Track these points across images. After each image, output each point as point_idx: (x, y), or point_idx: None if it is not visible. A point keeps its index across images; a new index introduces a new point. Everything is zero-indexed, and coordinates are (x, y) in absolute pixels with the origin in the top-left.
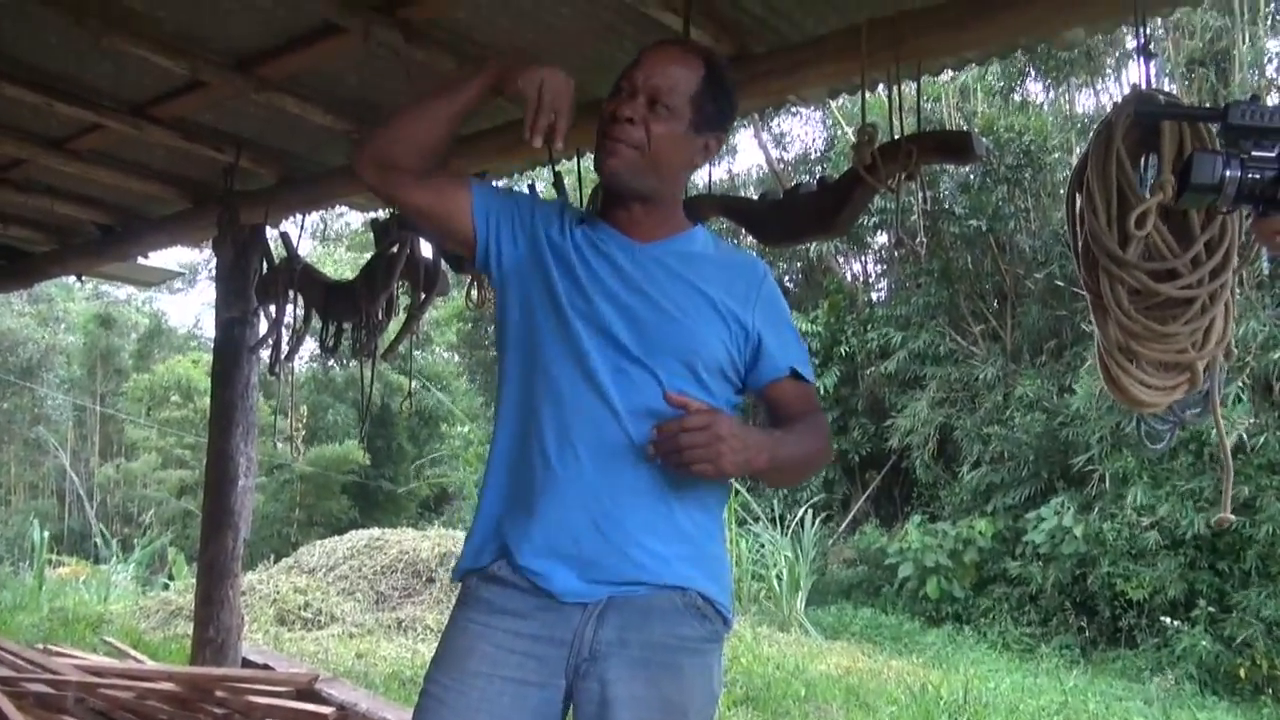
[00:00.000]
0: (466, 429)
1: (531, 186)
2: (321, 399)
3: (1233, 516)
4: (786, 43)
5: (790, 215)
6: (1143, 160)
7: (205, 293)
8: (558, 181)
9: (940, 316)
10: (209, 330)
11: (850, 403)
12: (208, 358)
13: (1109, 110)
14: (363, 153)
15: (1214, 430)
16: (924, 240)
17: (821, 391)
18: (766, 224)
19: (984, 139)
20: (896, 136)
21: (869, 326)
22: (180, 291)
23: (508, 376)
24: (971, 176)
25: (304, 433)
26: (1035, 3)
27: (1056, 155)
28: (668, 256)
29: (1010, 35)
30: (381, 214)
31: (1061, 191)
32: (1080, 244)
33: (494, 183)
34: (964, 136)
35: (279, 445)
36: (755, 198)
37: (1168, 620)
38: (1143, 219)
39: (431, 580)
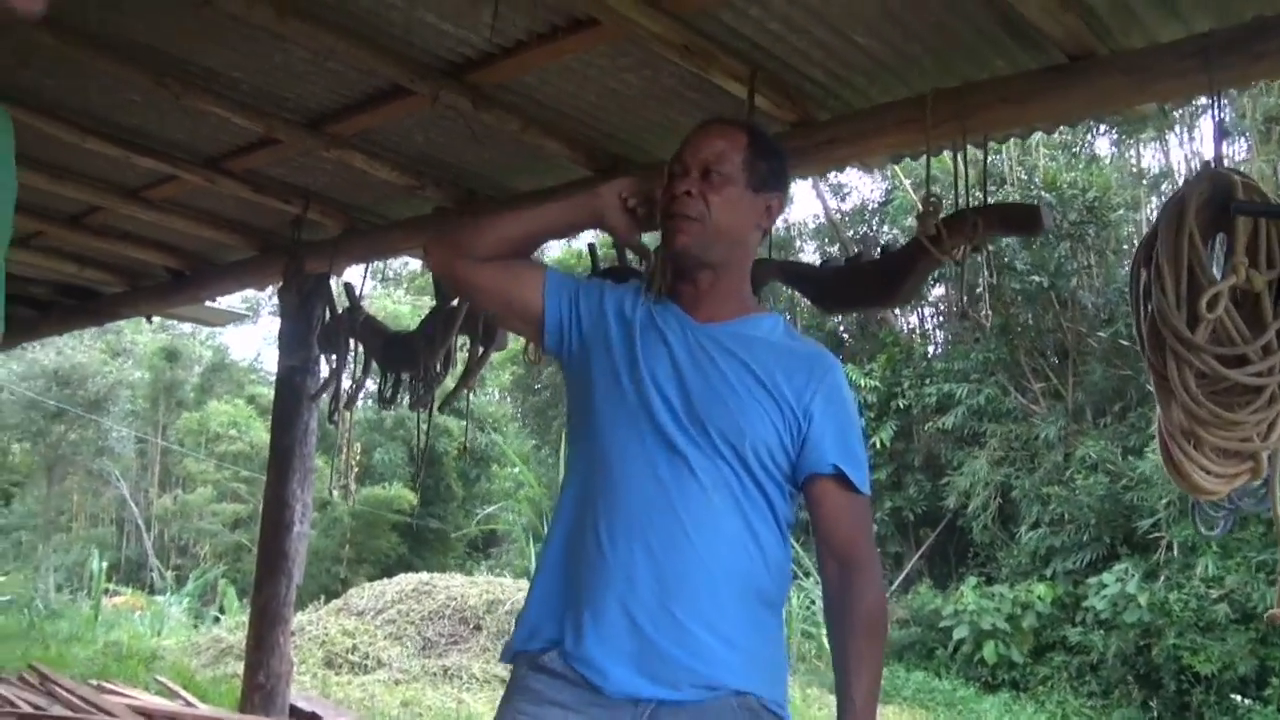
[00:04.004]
0: (517, 469)
1: (592, 247)
2: (372, 438)
3: None
4: (850, 110)
5: (852, 284)
6: (1213, 239)
7: (267, 326)
8: (592, 249)
9: (1000, 373)
10: (269, 364)
11: (906, 458)
12: (261, 392)
13: (1177, 169)
14: (440, 239)
15: None
16: (989, 313)
17: (878, 446)
18: (828, 292)
19: (1050, 206)
20: (961, 206)
21: (926, 380)
22: (244, 323)
23: (572, 459)
24: None
25: (357, 470)
26: (1106, 78)
27: (1121, 212)
28: (725, 337)
29: (1080, 110)
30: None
31: (1126, 247)
32: (1146, 322)
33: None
34: (1032, 210)
35: (334, 493)
36: (817, 263)
37: (1238, 698)
38: (1215, 301)
39: (479, 628)
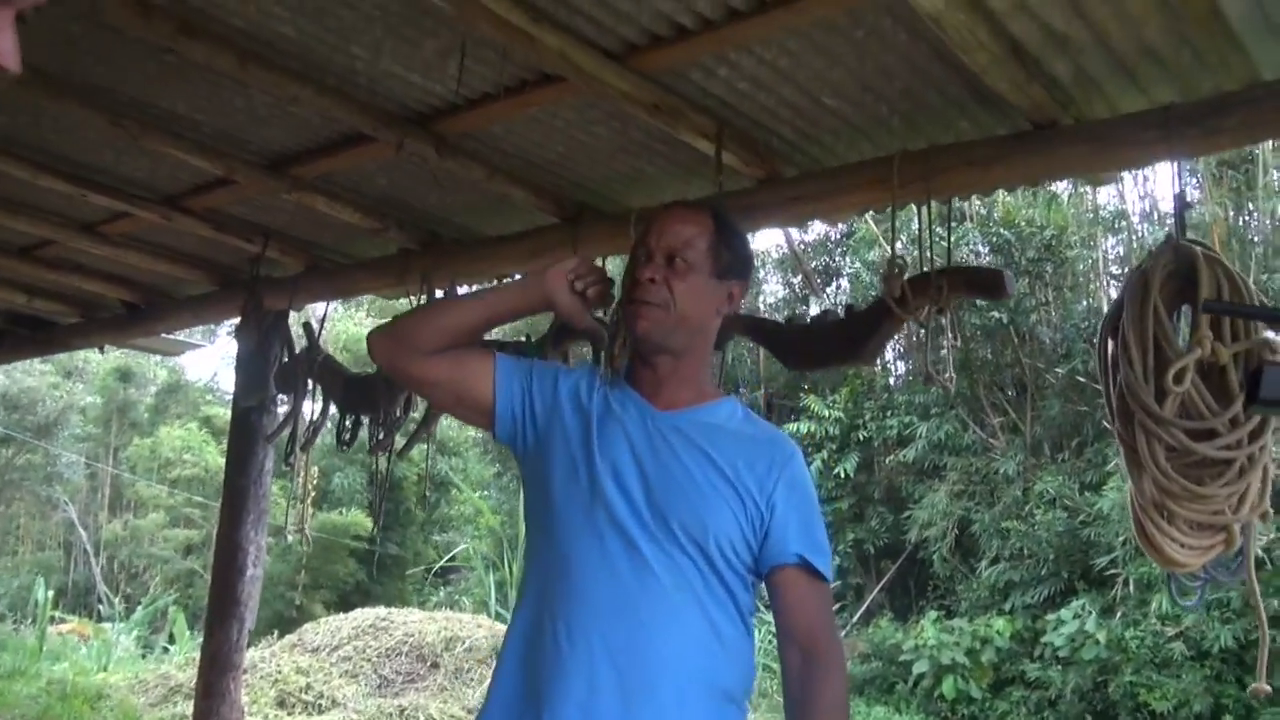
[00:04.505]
0: (477, 494)
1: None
2: (331, 462)
3: (1269, 687)
4: (818, 166)
5: (816, 342)
6: (1178, 309)
7: (224, 346)
8: None
9: (960, 406)
10: (226, 384)
11: (867, 490)
12: (217, 413)
13: (1132, 208)
14: (382, 331)
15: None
16: (953, 375)
17: (840, 476)
18: (791, 349)
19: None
20: (926, 263)
21: (888, 413)
22: (201, 349)
23: (530, 550)
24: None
25: (314, 495)
26: (1069, 146)
27: (1078, 250)
28: (685, 425)
29: (1043, 175)
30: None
31: (1082, 282)
32: (1115, 394)
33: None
34: (996, 275)
35: (290, 537)
36: (781, 320)
37: None
38: (1181, 375)
39: (436, 665)
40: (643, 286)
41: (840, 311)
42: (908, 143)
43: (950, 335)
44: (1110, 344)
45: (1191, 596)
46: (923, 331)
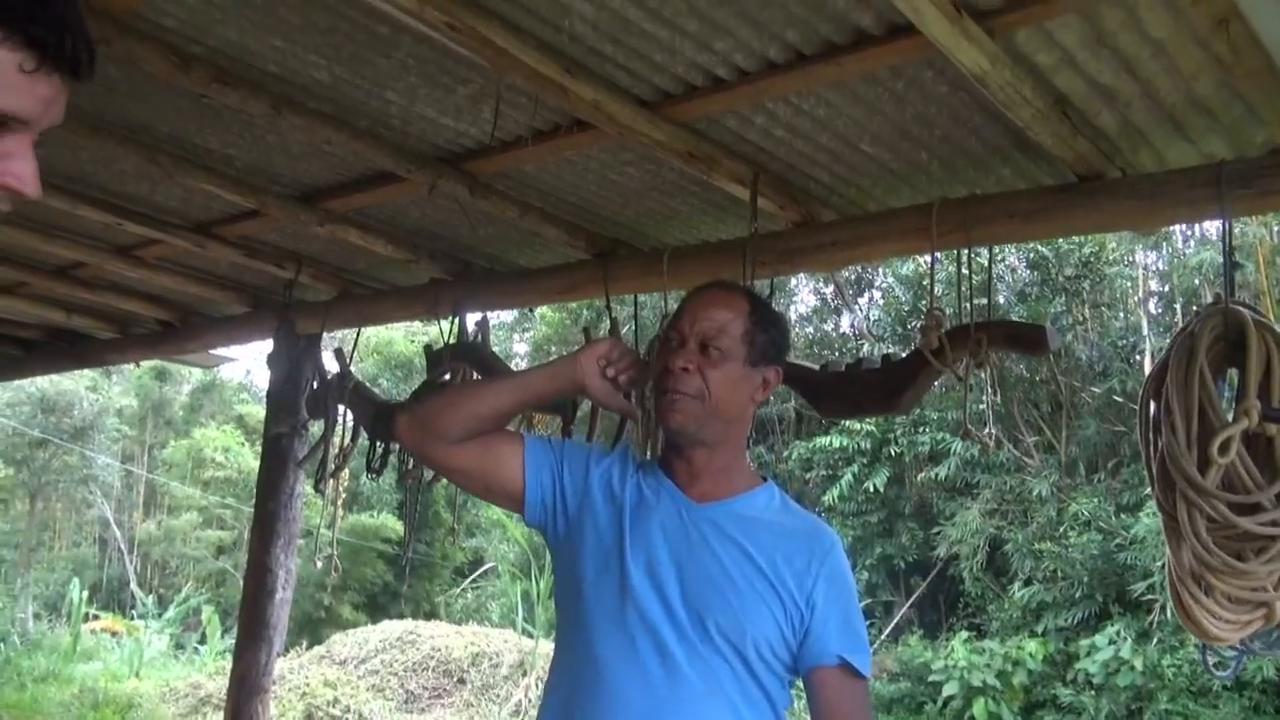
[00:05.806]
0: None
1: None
2: (361, 463)
3: None
4: (856, 210)
5: (852, 390)
6: (1224, 373)
7: (258, 345)
8: (613, 324)
9: (994, 424)
10: (259, 382)
11: (898, 505)
12: (250, 411)
13: (1174, 226)
14: (409, 416)
15: None
16: (993, 432)
17: (870, 490)
18: (826, 396)
19: (1056, 323)
20: (965, 311)
21: (920, 429)
22: (232, 359)
23: (561, 638)
24: (1028, 285)
25: (344, 497)
26: (1114, 201)
27: (1117, 268)
28: (723, 518)
29: (1086, 229)
30: (435, 342)
31: (1120, 298)
32: (1155, 460)
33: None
34: (1037, 330)
35: (319, 563)
36: (817, 367)
37: None
38: (1226, 445)
39: (463, 681)
40: (675, 376)
41: (877, 360)
42: (947, 189)
43: (990, 390)
44: (1152, 406)
45: (1226, 668)
46: (961, 371)
